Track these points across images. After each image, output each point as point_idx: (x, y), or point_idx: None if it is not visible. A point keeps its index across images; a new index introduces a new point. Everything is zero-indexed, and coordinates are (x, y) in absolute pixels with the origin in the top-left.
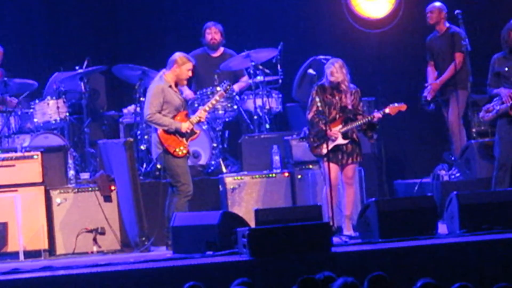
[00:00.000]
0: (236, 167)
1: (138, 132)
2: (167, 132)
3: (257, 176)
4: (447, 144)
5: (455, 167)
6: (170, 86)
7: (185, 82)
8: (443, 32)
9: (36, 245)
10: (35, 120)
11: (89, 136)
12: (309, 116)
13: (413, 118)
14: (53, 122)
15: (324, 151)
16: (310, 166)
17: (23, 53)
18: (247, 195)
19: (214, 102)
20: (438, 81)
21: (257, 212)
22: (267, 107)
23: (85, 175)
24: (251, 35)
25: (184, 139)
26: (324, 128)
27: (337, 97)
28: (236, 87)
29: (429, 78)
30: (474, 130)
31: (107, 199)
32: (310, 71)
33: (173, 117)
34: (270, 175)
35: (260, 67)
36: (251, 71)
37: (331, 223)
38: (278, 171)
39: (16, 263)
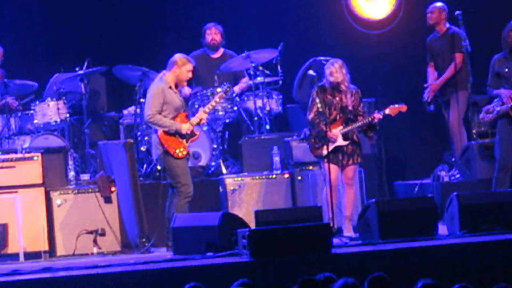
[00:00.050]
0: (236, 168)
1: (138, 133)
2: (167, 133)
3: (257, 177)
4: (448, 145)
5: (455, 168)
6: (170, 87)
7: (185, 83)
8: (443, 33)
9: (36, 247)
10: (35, 121)
11: (89, 137)
12: (310, 117)
13: (413, 119)
14: (53, 123)
15: (325, 152)
16: (310, 167)
17: (23, 54)
18: (247, 196)
19: (214, 103)
20: (437, 82)
21: (257, 213)
22: (267, 108)
23: (85, 176)
24: (251, 36)
25: (184, 140)
26: (324, 129)
27: (337, 98)
28: (237, 88)
29: (429, 79)
30: (474, 131)
31: (107, 200)
32: (310, 72)
33: (173, 118)
34: (270, 176)
35: (260, 68)
36: (251, 72)
37: (331, 224)
38: (278, 172)
39: (16, 265)
